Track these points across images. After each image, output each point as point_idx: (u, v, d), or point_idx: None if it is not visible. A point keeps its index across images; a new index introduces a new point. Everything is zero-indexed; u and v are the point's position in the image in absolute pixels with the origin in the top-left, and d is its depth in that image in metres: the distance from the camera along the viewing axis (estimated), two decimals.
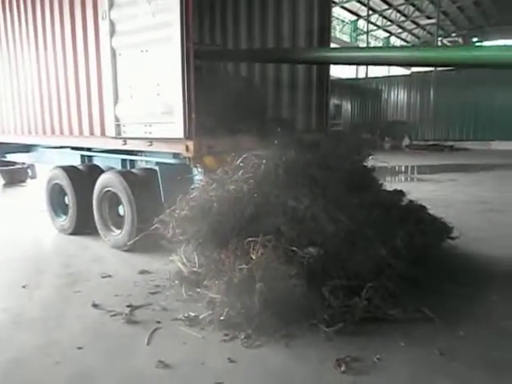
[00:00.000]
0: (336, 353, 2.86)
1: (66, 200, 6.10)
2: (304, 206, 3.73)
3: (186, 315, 3.39)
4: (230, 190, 3.83)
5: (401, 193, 4.70)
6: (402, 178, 13.22)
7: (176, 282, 3.92)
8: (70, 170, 6.03)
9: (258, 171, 3.96)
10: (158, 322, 3.38)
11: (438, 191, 9.42)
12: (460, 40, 39.81)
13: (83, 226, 5.91)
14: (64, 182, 6.00)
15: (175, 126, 4.31)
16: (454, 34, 39.59)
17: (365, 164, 4.87)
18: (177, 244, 3.96)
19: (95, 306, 3.70)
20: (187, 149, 4.34)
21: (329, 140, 5.01)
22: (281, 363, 2.84)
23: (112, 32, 4.73)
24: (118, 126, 4.93)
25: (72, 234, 6.00)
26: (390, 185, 5.12)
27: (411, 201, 4.57)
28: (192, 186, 4.19)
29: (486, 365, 2.78)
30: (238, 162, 4.11)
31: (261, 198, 3.78)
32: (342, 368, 2.70)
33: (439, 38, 34.67)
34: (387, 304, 3.37)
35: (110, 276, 4.41)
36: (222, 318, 3.21)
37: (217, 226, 3.70)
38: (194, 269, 3.79)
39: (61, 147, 6.60)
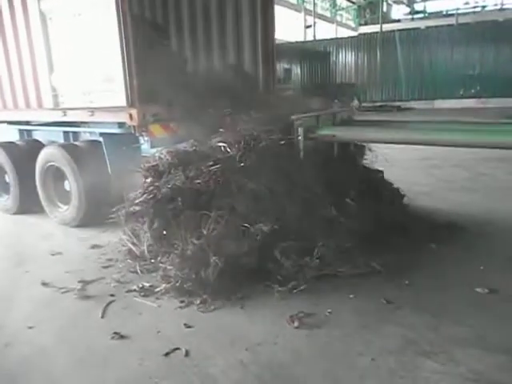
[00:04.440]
0: (289, 310, 2.96)
1: (7, 178, 5.79)
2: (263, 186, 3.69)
3: (140, 286, 3.38)
4: (191, 177, 3.73)
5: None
6: None
7: (129, 261, 3.84)
8: (7, 147, 5.70)
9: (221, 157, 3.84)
10: (112, 295, 3.34)
11: (385, 150, 9.69)
12: (405, 0, 40.29)
13: (28, 205, 5.65)
14: (2, 159, 5.67)
15: (117, 94, 4.14)
16: None
17: None
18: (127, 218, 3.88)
19: (45, 284, 3.59)
20: (131, 117, 4.18)
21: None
22: (237, 324, 2.90)
23: None
24: (55, 96, 4.67)
25: (16, 213, 5.73)
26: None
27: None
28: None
29: (428, 309, 2.97)
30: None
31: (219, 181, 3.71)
32: (296, 324, 2.80)
33: None
34: (338, 261, 3.49)
35: (59, 253, 4.27)
36: (177, 284, 3.21)
37: (168, 199, 3.65)
38: (144, 247, 3.73)
39: None
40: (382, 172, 4.75)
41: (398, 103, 23.70)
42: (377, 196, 4.32)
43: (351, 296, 3.16)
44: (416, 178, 6.64)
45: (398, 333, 2.71)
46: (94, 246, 4.34)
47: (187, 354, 2.58)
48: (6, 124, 6.06)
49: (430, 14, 38.02)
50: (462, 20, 28.85)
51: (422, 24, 31.30)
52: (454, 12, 32.41)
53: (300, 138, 4.10)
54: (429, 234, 4.17)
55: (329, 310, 2.96)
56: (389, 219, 4.12)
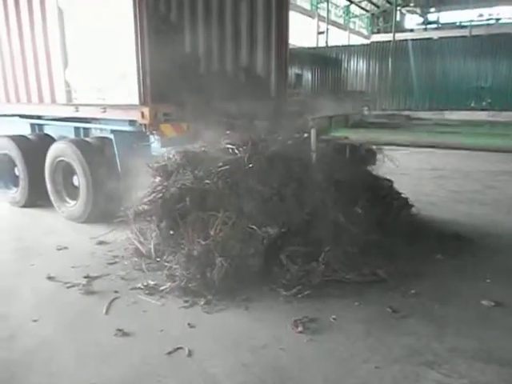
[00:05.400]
0: (294, 314, 2.95)
1: (17, 171, 5.83)
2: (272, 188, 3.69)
3: (145, 284, 3.38)
4: (199, 177, 3.73)
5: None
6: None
7: (135, 259, 3.85)
8: (19, 140, 5.74)
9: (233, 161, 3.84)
10: (117, 292, 3.35)
11: (394, 160, 9.66)
12: (418, 10, 40.25)
13: (36, 198, 5.69)
14: (13, 152, 5.71)
15: (129, 92, 4.16)
16: (412, 4, 39.91)
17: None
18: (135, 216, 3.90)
19: (51, 278, 3.60)
20: (143, 115, 4.21)
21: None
22: (241, 326, 2.89)
23: None
24: (68, 91, 4.71)
25: (24, 206, 5.77)
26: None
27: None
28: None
29: (433, 319, 2.95)
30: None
31: (228, 182, 3.71)
32: (300, 328, 2.79)
33: (398, 8, 34.93)
34: (344, 268, 3.48)
35: (65, 248, 4.29)
36: (182, 284, 3.22)
37: (176, 199, 3.66)
38: (151, 246, 3.74)
39: (9, 115, 6.23)
40: (391, 181, 4.72)
41: (407, 113, 23.62)
42: (385, 205, 4.31)
43: (356, 303, 3.14)
44: (424, 188, 6.61)
45: (403, 342, 2.69)
46: (100, 243, 4.35)
47: (190, 353, 2.57)
48: (18, 117, 6.10)
49: (443, 24, 37.96)
50: (475, 32, 28.78)
51: (434, 34, 31.28)
52: (468, 24, 32.34)
53: (312, 139, 4.06)
54: (436, 244, 4.16)
55: (333, 316, 2.95)
56: (396, 228, 4.11)
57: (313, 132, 4.06)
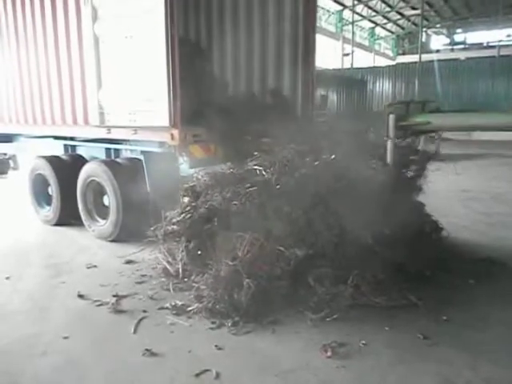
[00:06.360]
0: (322, 338, 2.90)
1: (50, 191, 6.01)
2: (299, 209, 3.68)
3: (172, 304, 3.40)
4: (227, 198, 3.78)
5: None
6: None
7: (163, 279, 3.90)
8: (53, 160, 5.93)
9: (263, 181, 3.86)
10: (145, 311, 3.38)
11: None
12: (444, 31, 40.10)
13: (67, 217, 5.83)
14: (47, 172, 5.90)
15: (160, 114, 4.27)
16: (438, 25, 39.80)
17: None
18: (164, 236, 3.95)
19: (81, 296, 3.67)
20: (172, 137, 4.31)
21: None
22: (268, 349, 2.86)
23: (94, 18, 4.63)
24: (101, 114, 4.85)
25: (56, 224, 5.91)
26: None
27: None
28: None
29: (466, 347, 2.85)
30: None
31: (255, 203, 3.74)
32: (329, 353, 2.74)
33: (424, 29, 34.88)
34: (373, 291, 3.42)
35: (95, 266, 4.37)
36: (209, 305, 3.22)
37: (205, 219, 3.70)
38: (179, 266, 3.78)
39: (44, 137, 6.48)
40: (423, 204, 4.63)
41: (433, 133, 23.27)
42: (415, 228, 4.21)
43: (386, 328, 3.07)
44: (455, 211, 6.47)
45: (434, 370, 2.61)
46: (129, 262, 4.41)
47: (217, 376, 2.56)
48: (52, 139, 6.32)
49: (470, 45, 37.63)
50: (504, 52, 28.40)
51: (462, 55, 31.02)
52: (496, 44, 31.92)
53: (391, 125, 3.89)
54: (467, 269, 4.05)
55: (363, 341, 2.89)
56: (427, 252, 4.02)
57: (391, 118, 3.96)
